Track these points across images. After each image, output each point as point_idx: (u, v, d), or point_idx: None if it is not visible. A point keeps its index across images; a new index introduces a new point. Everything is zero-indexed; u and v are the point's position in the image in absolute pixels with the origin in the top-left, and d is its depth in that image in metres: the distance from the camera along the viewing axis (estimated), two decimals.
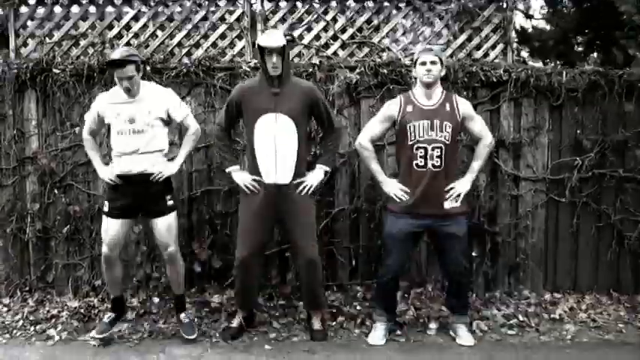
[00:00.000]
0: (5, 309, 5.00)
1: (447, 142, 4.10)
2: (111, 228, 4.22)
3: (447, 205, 4.16)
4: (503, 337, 4.51)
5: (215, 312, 4.84)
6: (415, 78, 4.30)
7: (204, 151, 5.16)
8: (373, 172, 4.38)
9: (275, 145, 4.12)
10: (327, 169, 4.38)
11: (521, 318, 4.80)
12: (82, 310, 4.86)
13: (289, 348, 4.31)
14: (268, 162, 4.15)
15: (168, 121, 4.29)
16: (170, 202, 4.30)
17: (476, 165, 4.31)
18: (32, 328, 4.66)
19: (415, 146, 4.12)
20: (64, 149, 5.14)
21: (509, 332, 4.60)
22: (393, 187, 4.26)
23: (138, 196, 4.21)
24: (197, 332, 4.41)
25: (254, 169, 4.21)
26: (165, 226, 4.26)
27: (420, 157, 4.12)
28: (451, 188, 4.16)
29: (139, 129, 4.14)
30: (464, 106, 4.23)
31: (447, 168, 4.14)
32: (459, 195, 4.17)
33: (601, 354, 4.23)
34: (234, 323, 4.49)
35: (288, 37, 4.03)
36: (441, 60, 4.16)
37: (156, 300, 5.03)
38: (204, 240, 5.17)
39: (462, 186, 4.20)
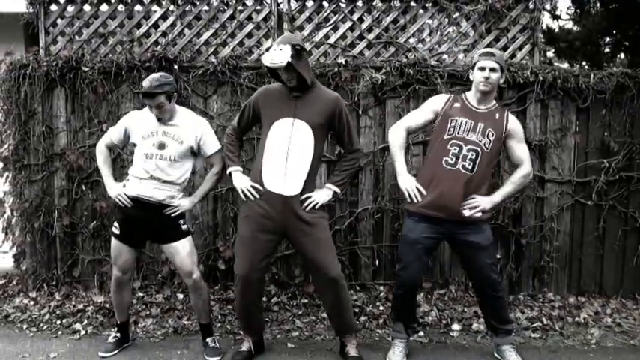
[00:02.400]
0: (32, 303, 5.07)
1: (486, 150, 3.81)
2: (123, 253, 4.05)
3: (466, 212, 3.84)
4: (527, 340, 4.49)
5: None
6: (470, 81, 3.98)
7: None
8: (395, 160, 4.05)
9: (287, 152, 3.76)
10: (337, 190, 3.97)
11: (545, 321, 4.77)
12: (107, 305, 4.92)
13: (312, 347, 4.33)
14: (277, 170, 3.78)
15: (196, 153, 4.08)
16: (184, 227, 4.08)
17: (506, 189, 3.99)
18: (58, 322, 4.73)
19: (450, 142, 3.83)
20: (91, 146, 5.19)
21: (532, 335, 4.57)
22: (409, 184, 3.94)
23: (150, 221, 4.01)
24: (222, 356, 4.13)
25: (258, 177, 3.86)
26: (184, 251, 4.02)
27: (453, 154, 3.82)
28: (472, 198, 3.85)
29: (167, 157, 3.94)
30: (514, 122, 3.93)
31: (477, 177, 3.83)
32: (476, 206, 3.83)
33: (626, 358, 4.20)
34: (244, 347, 4.11)
35: (297, 48, 3.66)
36: (501, 67, 3.84)
37: (180, 296, 5.08)
38: (229, 238, 5.20)
39: (484, 202, 3.86)
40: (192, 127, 3.99)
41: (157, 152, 3.94)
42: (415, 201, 3.91)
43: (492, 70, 3.80)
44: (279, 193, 3.77)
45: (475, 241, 3.88)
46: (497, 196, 3.94)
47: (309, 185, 3.87)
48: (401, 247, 4.06)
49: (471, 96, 3.95)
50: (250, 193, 3.84)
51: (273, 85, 3.98)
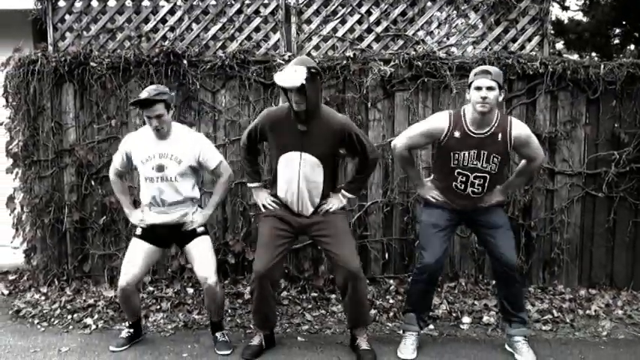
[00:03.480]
0: (43, 298, 5.09)
1: (493, 172, 3.81)
2: (138, 254, 4.03)
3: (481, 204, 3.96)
4: (537, 333, 4.47)
5: (248, 303, 4.86)
6: (467, 98, 3.84)
7: (238, 143, 5.16)
8: (410, 177, 4.18)
9: (299, 184, 3.83)
10: (351, 196, 4.08)
11: (555, 314, 4.75)
12: (117, 300, 4.90)
13: (322, 340, 4.33)
14: (292, 197, 3.89)
15: (198, 169, 4.07)
16: (200, 229, 4.10)
17: (517, 181, 4.10)
18: (69, 317, 4.75)
19: (457, 171, 3.83)
20: (100, 141, 5.22)
21: (543, 328, 4.56)
22: (430, 192, 4.03)
23: (171, 234, 4.10)
24: (232, 350, 4.10)
25: (276, 196, 3.99)
26: (197, 254, 4.04)
27: (461, 181, 3.84)
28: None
29: (167, 178, 3.95)
30: (517, 132, 3.76)
31: (489, 192, 3.92)
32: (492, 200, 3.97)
33: (637, 351, 4.17)
34: (255, 341, 4.11)
35: (312, 71, 3.59)
36: (499, 84, 3.67)
37: (190, 291, 5.08)
38: (238, 232, 5.21)
39: (494, 196, 3.97)
40: (190, 145, 3.97)
41: (157, 175, 3.95)
42: (439, 199, 4.01)
43: (489, 89, 3.63)
44: (295, 212, 3.94)
45: (491, 220, 3.94)
46: (509, 187, 4.08)
47: (325, 199, 3.97)
48: (421, 233, 4.10)
49: (470, 119, 3.76)
50: (272, 205, 3.98)
51: (279, 111, 3.91)
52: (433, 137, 3.90)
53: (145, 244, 4.06)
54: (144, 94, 3.80)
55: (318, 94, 3.77)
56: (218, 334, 4.21)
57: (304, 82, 3.52)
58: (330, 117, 3.83)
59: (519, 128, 3.80)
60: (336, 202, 3.95)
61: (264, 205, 4.01)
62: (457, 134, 3.77)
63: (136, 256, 4.03)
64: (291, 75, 3.55)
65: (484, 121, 3.72)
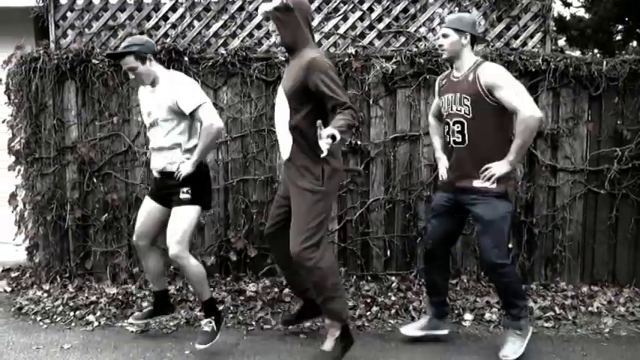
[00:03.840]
0: (46, 295, 5.10)
1: (468, 116, 3.73)
2: (142, 211, 4.15)
3: (477, 183, 3.76)
4: (539, 330, 4.47)
5: (250, 300, 4.87)
6: None
7: (240, 140, 5.20)
8: (433, 146, 4.29)
9: (276, 120, 3.78)
10: (336, 133, 3.17)
11: (557, 310, 4.74)
12: (120, 297, 4.94)
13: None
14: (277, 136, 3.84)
15: (179, 111, 3.88)
16: (184, 195, 3.91)
17: (515, 144, 3.69)
18: (72, 314, 4.75)
19: (445, 121, 3.93)
20: (102, 138, 5.22)
21: (545, 325, 4.55)
22: (440, 166, 4.08)
23: (162, 186, 4.04)
24: (210, 344, 3.92)
25: None
26: (171, 222, 3.90)
27: (446, 132, 3.91)
28: (486, 168, 3.73)
29: (153, 122, 3.99)
30: (486, 73, 3.69)
31: (473, 145, 3.76)
32: (491, 175, 3.70)
33: (639, 348, 4.17)
34: (295, 310, 4.32)
35: (285, 1, 3.52)
36: (458, 30, 3.76)
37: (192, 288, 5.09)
38: (240, 229, 5.21)
39: (497, 167, 3.70)
40: (168, 87, 3.89)
41: (148, 120, 4.06)
42: (444, 177, 4.04)
43: (443, 36, 3.82)
44: (281, 157, 3.86)
45: (480, 213, 3.77)
46: (511, 154, 3.70)
47: (300, 154, 3.64)
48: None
49: (454, 65, 3.94)
50: None
51: None
52: (438, 93, 4.12)
53: (149, 201, 4.15)
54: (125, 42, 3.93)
55: (292, 30, 3.61)
56: (203, 322, 4.04)
57: (272, 10, 3.57)
58: (306, 54, 3.57)
59: (490, 67, 3.76)
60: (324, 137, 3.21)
61: None
62: (444, 81, 4.01)
63: (141, 213, 4.16)
64: (266, 4, 3.63)
65: (458, 65, 3.87)
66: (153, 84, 3.98)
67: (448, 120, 3.87)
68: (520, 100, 3.62)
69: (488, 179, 3.72)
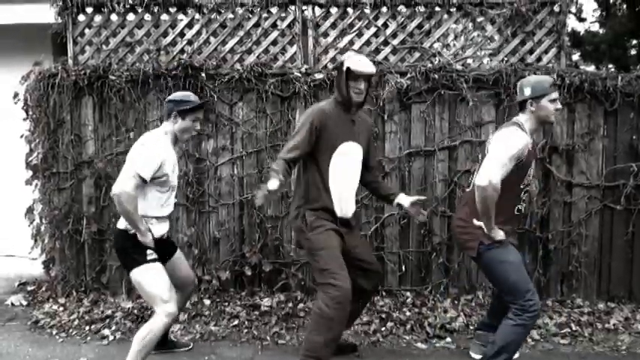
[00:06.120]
0: (62, 308, 5.13)
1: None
2: (165, 275, 3.71)
3: None
4: (555, 347, 4.44)
5: (265, 315, 4.87)
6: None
7: (256, 155, 5.22)
8: (489, 220, 3.57)
9: (347, 175, 3.81)
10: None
11: (574, 327, 4.71)
12: (135, 311, 4.96)
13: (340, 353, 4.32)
14: (339, 195, 3.77)
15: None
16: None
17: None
18: (87, 328, 4.77)
19: (524, 190, 3.74)
20: (119, 153, 5.25)
21: (561, 342, 4.52)
22: (499, 233, 3.61)
23: (162, 246, 3.85)
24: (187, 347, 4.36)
25: (322, 201, 3.76)
26: (184, 261, 4.11)
27: (524, 201, 3.78)
28: None
29: (174, 185, 3.90)
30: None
31: None
32: None
33: None
34: None
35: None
36: None
37: (207, 302, 5.09)
38: (255, 244, 5.23)
39: None
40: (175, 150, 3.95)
41: (174, 183, 3.88)
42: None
43: (553, 101, 3.66)
44: (341, 216, 3.83)
45: None
46: None
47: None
48: (516, 274, 3.62)
49: (530, 129, 3.69)
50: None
51: (326, 105, 3.81)
52: (518, 159, 3.59)
53: (160, 265, 3.74)
54: (194, 97, 3.85)
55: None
56: None
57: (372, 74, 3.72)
58: (361, 113, 3.96)
59: None
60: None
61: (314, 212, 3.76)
62: (530, 147, 3.66)
63: (165, 279, 3.69)
64: (368, 61, 3.71)
65: (538, 131, 3.77)
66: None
67: (528, 189, 3.79)
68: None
69: None
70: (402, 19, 5.35)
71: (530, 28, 5.31)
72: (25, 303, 5.39)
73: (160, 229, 3.83)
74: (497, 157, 3.53)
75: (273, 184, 3.35)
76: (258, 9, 5.35)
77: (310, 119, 3.68)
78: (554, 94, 3.64)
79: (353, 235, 3.91)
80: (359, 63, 3.66)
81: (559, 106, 3.66)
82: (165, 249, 3.89)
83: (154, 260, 3.67)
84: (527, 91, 3.68)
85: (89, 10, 5.46)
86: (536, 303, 3.57)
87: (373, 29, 5.37)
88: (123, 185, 3.53)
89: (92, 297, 5.26)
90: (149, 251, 3.66)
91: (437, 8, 5.34)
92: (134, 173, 3.56)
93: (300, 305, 5.03)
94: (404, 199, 3.92)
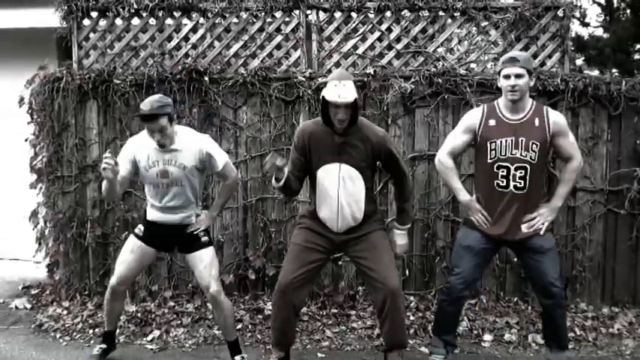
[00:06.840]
0: (65, 312, 5.14)
1: (533, 162, 3.67)
2: (134, 256, 3.99)
3: (524, 229, 3.76)
4: None
5: (268, 319, 4.86)
6: (498, 88, 3.86)
7: (259, 159, 5.22)
8: (455, 190, 3.95)
9: (338, 198, 3.67)
10: (407, 227, 3.96)
11: (578, 332, 4.71)
12: (139, 315, 4.96)
13: (342, 356, 4.32)
14: (329, 213, 3.73)
15: (203, 170, 4.00)
16: (204, 239, 4.01)
17: (562, 191, 3.83)
18: (91, 331, 4.79)
19: (496, 165, 3.72)
20: None
21: None
22: (475, 212, 3.83)
23: (173, 234, 4.02)
24: None
25: (316, 216, 3.82)
26: (201, 264, 3.94)
27: (502, 176, 3.70)
28: (534, 217, 3.75)
29: (173, 183, 3.89)
30: (555, 121, 3.72)
31: (531, 191, 3.73)
32: (540, 225, 3.74)
33: None
34: None
35: (357, 84, 3.49)
36: (529, 71, 3.67)
37: (211, 306, 5.08)
38: (259, 247, 5.23)
39: (547, 215, 3.77)
40: (192, 149, 3.87)
41: (162, 181, 3.89)
42: (484, 226, 3.82)
43: (518, 76, 3.62)
44: (338, 231, 3.77)
45: (539, 243, 3.75)
46: (558, 201, 3.83)
47: (368, 216, 3.79)
48: (455, 253, 3.98)
49: (504, 106, 3.77)
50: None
51: (311, 124, 3.81)
52: (471, 130, 3.82)
53: (141, 246, 4.01)
54: (145, 107, 3.67)
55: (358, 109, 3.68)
56: (237, 358, 4.06)
57: (356, 96, 3.49)
58: (370, 129, 3.71)
59: (557, 114, 3.81)
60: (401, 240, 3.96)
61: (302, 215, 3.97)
62: (492, 122, 3.75)
63: (130, 258, 4.01)
64: (344, 90, 3.45)
65: (518, 107, 3.72)
66: (170, 143, 3.86)
67: (506, 164, 3.69)
68: (576, 148, 3.83)
69: (538, 228, 3.75)
70: (406, 23, 5.36)
71: (534, 33, 5.31)
72: (28, 306, 5.39)
73: (153, 215, 4.02)
74: (448, 136, 3.95)
75: (280, 161, 3.50)
76: (263, 13, 5.36)
77: (295, 140, 3.81)
78: (505, 70, 3.68)
79: (359, 241, 3.76)
80: (333, 93, 3.46)
81: (511, 82, 3.64)
82: (180, 240, 4.05)
83: (136, 235, 4.05)
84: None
85: (94, 14, 5.47)
86: (451, 283, 3.86)
87: (377, 34, 5.38)
88: None
89: (96, 300, 5.25)
90: (140, 226, 4.07)
91: (441, 13, 5.35)
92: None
93: (304, 309, 5.03)
94: (393, 234, 3.98)
